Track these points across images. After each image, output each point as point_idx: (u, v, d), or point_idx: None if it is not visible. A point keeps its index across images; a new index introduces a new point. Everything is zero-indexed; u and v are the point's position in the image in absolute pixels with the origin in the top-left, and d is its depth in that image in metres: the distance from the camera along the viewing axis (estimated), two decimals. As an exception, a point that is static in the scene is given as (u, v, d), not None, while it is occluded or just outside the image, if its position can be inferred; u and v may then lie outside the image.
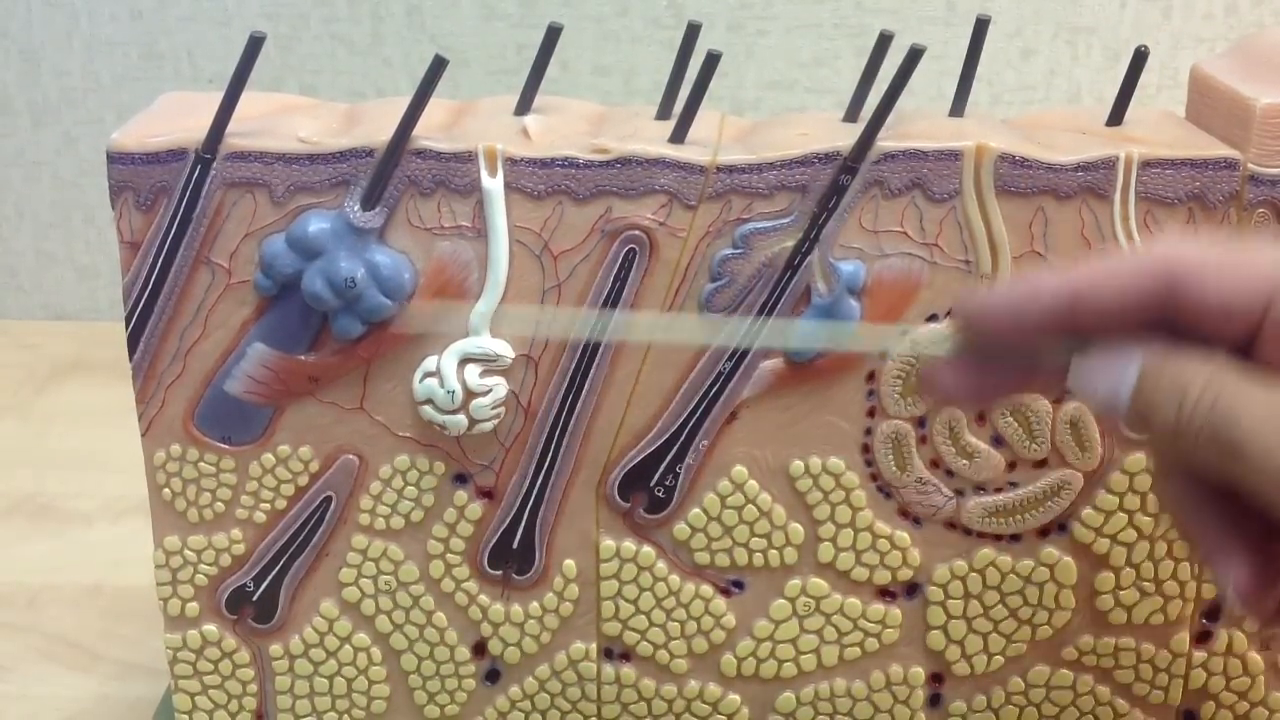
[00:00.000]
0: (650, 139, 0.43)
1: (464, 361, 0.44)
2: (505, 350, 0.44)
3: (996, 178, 0.42)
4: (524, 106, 0.46)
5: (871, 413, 0.45)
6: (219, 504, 0.46)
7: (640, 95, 0.88)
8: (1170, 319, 0.34)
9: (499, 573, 0.47)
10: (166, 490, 0.46)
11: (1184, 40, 0.86)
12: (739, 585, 0.47)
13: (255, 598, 0.47)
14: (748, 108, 0.89)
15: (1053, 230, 0.43)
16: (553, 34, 0.44)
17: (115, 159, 0.43)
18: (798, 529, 0.46)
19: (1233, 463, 0.32)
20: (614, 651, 0.47)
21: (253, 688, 0.48)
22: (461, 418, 0.44)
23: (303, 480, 0.46)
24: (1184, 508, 0.36)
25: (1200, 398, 0.33)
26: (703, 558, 0.46)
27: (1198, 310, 0.34)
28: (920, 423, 0.45)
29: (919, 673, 0.47)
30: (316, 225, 0.43)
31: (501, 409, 0.44)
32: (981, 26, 0.44)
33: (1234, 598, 0.35)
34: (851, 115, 0.45)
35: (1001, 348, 0.37)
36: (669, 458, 0.45)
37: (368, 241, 0.43)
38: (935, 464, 0.45)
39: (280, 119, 0.45)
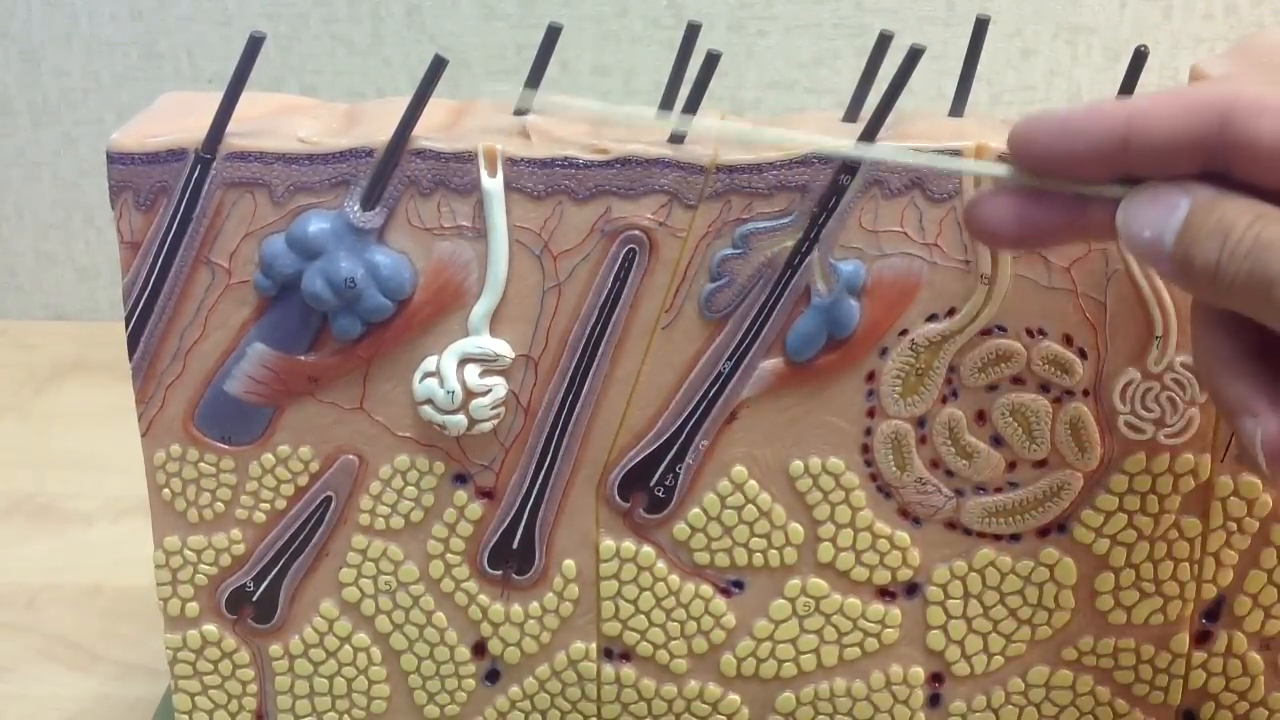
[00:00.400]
0: (650, 139, 0.43)
1: (464, 361, 0.44)
2: (505, 350, 0.44)
3: (995, 179, 0.42)
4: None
5: (871, 413, 0.45)
6: (219, 504, 0.46)
7: (640, 95, 0.88)
8: (1221, 160, 0.34)
9: (499, 573, 0.47)
10: (166, 490, 0.46)
11: (1184, 40, 0.86)
12: (739, 585, 0.47)
13: (255, 598, 0.47)
14: (748, 108, 0.89)
15: (1053, 230, 0.43)
16: (552, 34, 0.44)
17: (115, 159, 0.43)
18: (797, 529, 0.46)
19: (1268, 303, 0.32)
20: (614, 651, 0.47)
21: (253, 688, 0.48)
22: (461, 418, 0.44)
23: (303, 480, 0.46)
24: (1216, 362, 0.36)
25: (1243, 236, 0.33)
26: (702, 558, 0.46)
27: (1250, 150, 0.33)
28: (920, 423, 0.45)
29: (919, 673, 0.47)
30: (316, 225, 0.43)
31: (501, 409, 0.44)
32: (981, 26, 0.44)
33: (1261, 454, 0.35)
34: (851, 115, 0.45)
35: (1049, 174, 0.36)
36: (669, 458, 0.45)
37: (367, 241, 0.43)
38: (935, 464, 0.45)
39: (280, 119, 0.45)
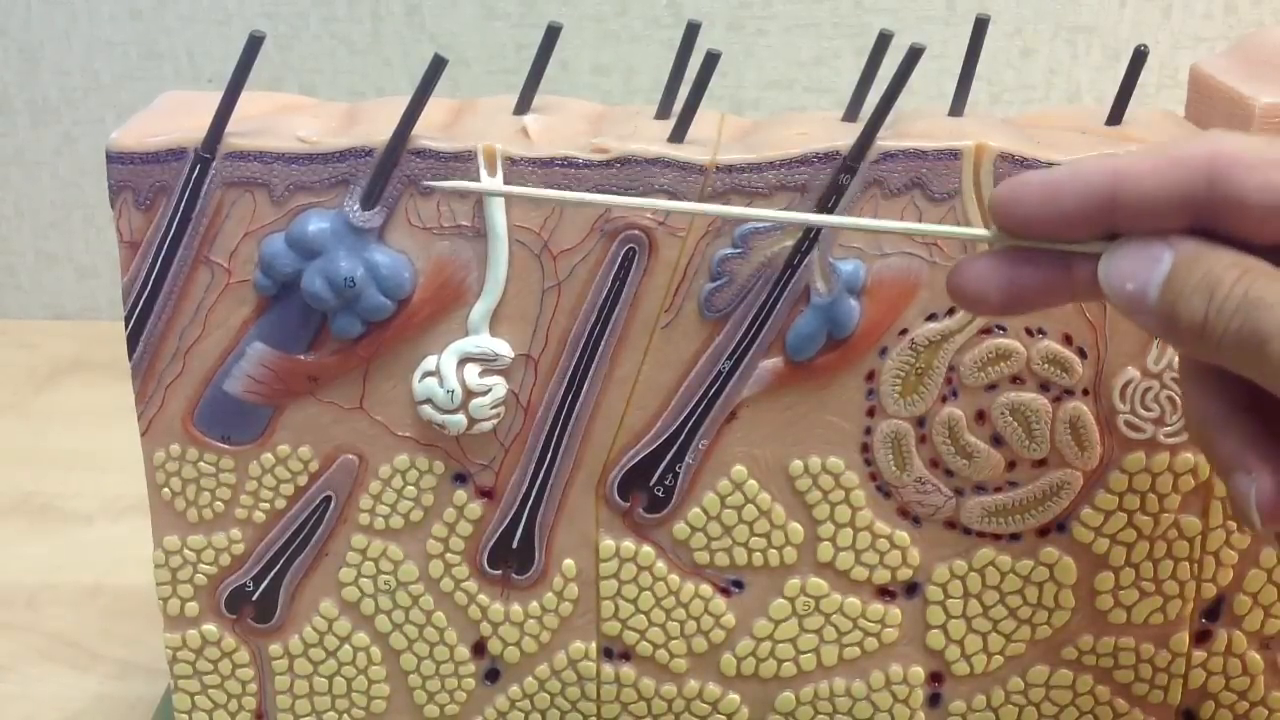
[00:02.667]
0: (650, 138, 0.43)
1: (463, 361, 0.44)
2: (504, 350, 0.44)
3: (996, 177, 0.42)
4: (523, 106, 0.46)
5: (871, 412, 0.45)
6: (218, 504, 0.46)
7: (640, 95, 0.88)
8: (1209, 216, 0.33)
9: (499, 572, 0.47)
10: (166, 490, 0.46)
11: (1183, 39, 0.86)
12: (738, 585, 0.47)
13: (255, 597, 0.47)
14: (747, 107, 0.89)
15: (1052, 230, 0.43)
16: (552, 33, 0.44)
17: (115, 158, 0.43)
18: (797, 528, 0.46)
19: (1259, 361, 0.31)
20: (613, 651, 0.47)
21: (252, 687, 0.48)
22: (461, 417, 0.44)
23: (302, 480, 0.46)
24: (1206, 418, 0.35)
25: (1231, 292, 0.32)
26: (702, 557, 0.46)
27: (1238, 205, 0.33)
28: (920, 422, 0.45)
29: (918, 672, 0.47)
30: (316, 225, 0.43)
31: (501, 408, 0.44)
32: (981, 26, 0.44)
33: (1255, 512, 0.34)
34: (851, 115, 0.45)
35: (1033, 237, 0.36)
36: (668, 457, 0.45)
37: (367, 241, 0.43)
38: (935, 463, 0.45)
39: (280, 118, 0.45)
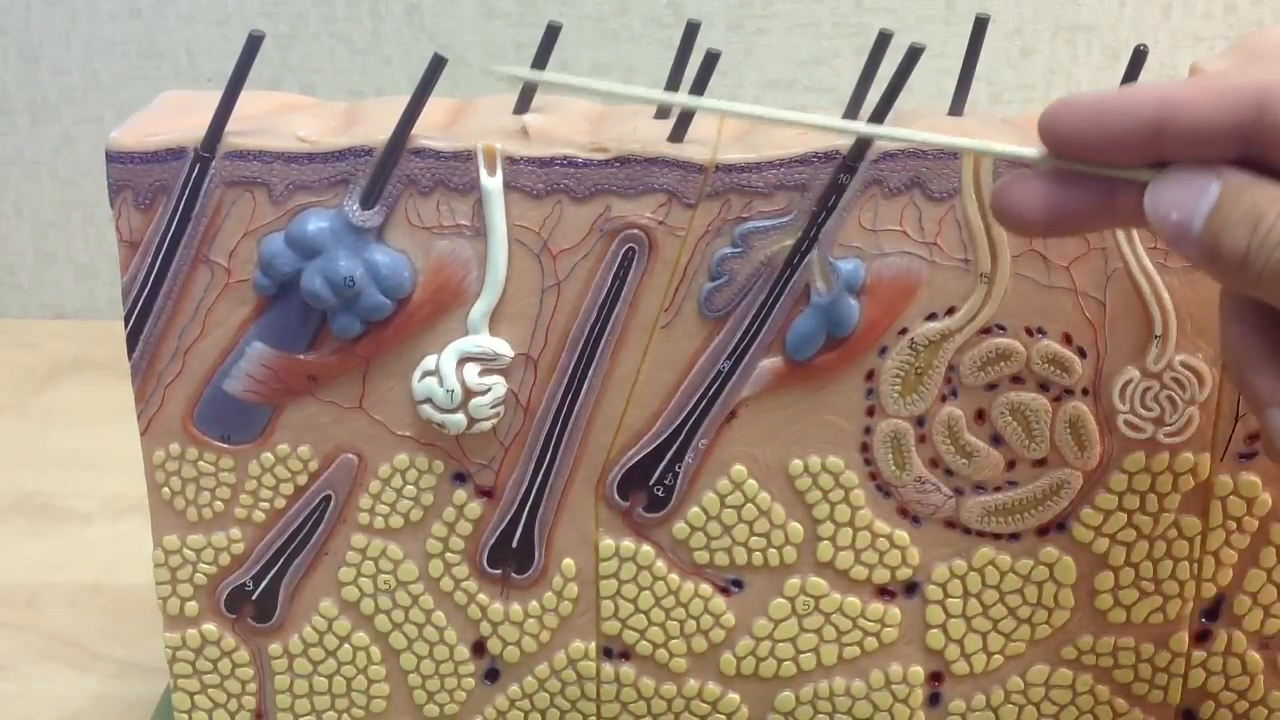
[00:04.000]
0: (650, 138, 0.43)
1: (463, 360, 0.44)
2: (504, 349, 0.44)
3: (996, 176, 0.42)
4: (523, 105, 0.46)
5: (871, 412, 0.45)
6: (218, 503, 0.46)
7: (639, 94, 0.88)
8: (1257, 148, 0.33)
9: (498, 572, 0.47)
10: (166, 489, 0.46)
11: (1183, 39, 0.86)
12: (738, 584, 0.47)
13: (254, 597, 0.47)
14: (747, 107, 0.88)
15: (1052, 229, 0.43)
16: (552, 33, 0.44)
17: (114, 158, 0.43)
18: (797, 528, 0.46)
19: None
20: (613, 650, 0.47)
21: (252, 687, 0.48)
22: (460, 417, 0.44)
23: (302, 479, 0.46)
24: (1244, 353, 0.35)
25: (1275, 225, 0.32)
26: (702, 557, 0.46)
27: None
28: (919, 422, 0.45)
29: (918, 672, 0.47)
30: (315, 224, 0.43)
31: (500, 408, 0.44)
32: (981, 25, 0.44)
33: None
34: (851, 114, 0.45)
35: (1082, 160, 0.35)
36: (668, 457, 0.45)
37: (367, 240, 0.43)
38: (934, 463, 0.45)
39: (279, 118, 0.45)
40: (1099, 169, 0.36)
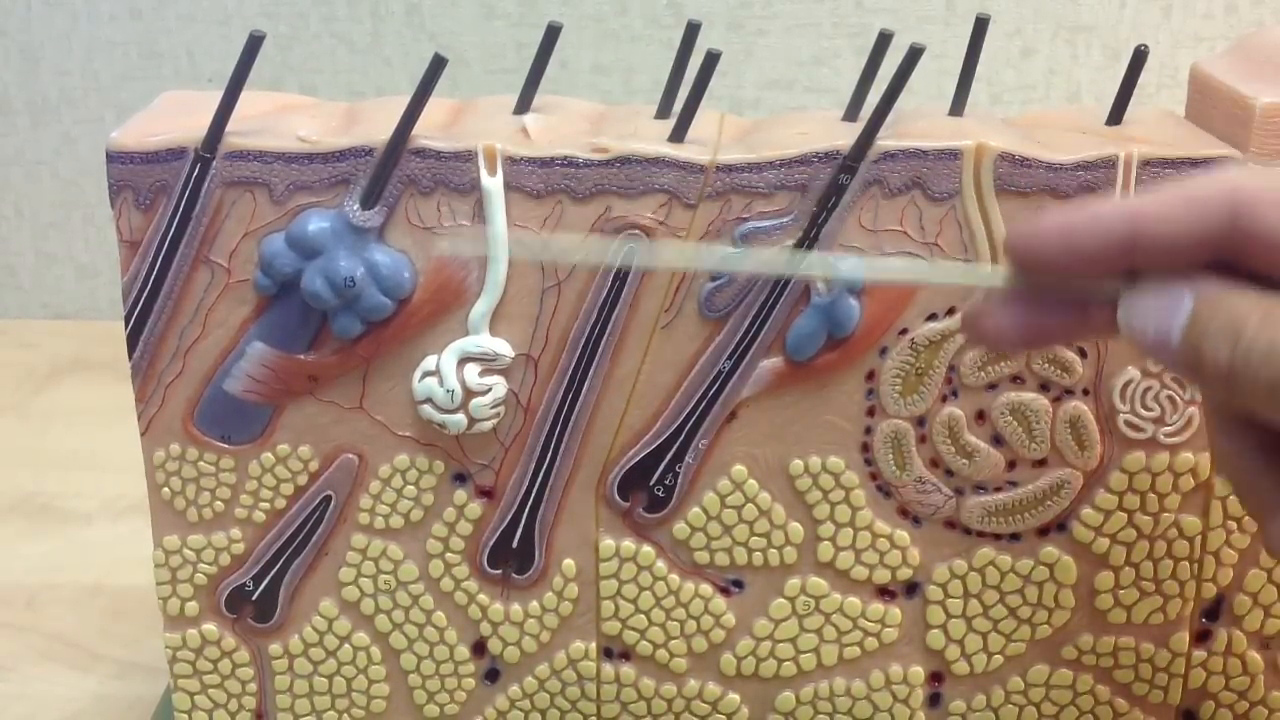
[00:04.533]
0: (650, 138, 0.43)
1: (463, 361, 0.44)
2: (505, 349, 0.44)
3: (996, 177, 0.42)
4: (523, 105, 0.46)
5: (871, 412, 0.45)
6: (218, 503, 0.46)
7: (640, 94, 0.88)
8: (1230, 255, 0.33)
9: (498, 572, 0.47)
10: (166, 489, 0.46)
11: (1183, 39, 0.86)
12: (738, 584, 0.47)
13: (255, 597, 0.47)
14: (747, 107, 0.89)
15: (1052, 229, 0.43)
16: (552, 33, 0.44)
17: (114, 158, 0.43)
18: (797, 528, 0.46)
19: None
20: (613, 651, 0.47)
21: (252, 687, 0.48)
22: (461, 417, 0.44)
23: (302, 479, 0.46)
24: (1239, 464, 0.35)
25: (1257, 334, 0.31)
26: (702, 557, 0.46)
27: (1261, 244, 0.32)
28: (920, 422, 0.45)
29: (918, 672, 0.47)
30: (316, 224, 0.43)
31: (501, 408, 0.44)
32: (981, 25, 0.44)
33: None
34: (851, 114, 0.45)
35: (1051, 280, 0.35)
36: (668, 457, 0.45)
37: (367, 240, 0.43)
38: (935, 463, 0.45)
39: (280, 118, 0.45)
40: (1069, 288, 0.35)
